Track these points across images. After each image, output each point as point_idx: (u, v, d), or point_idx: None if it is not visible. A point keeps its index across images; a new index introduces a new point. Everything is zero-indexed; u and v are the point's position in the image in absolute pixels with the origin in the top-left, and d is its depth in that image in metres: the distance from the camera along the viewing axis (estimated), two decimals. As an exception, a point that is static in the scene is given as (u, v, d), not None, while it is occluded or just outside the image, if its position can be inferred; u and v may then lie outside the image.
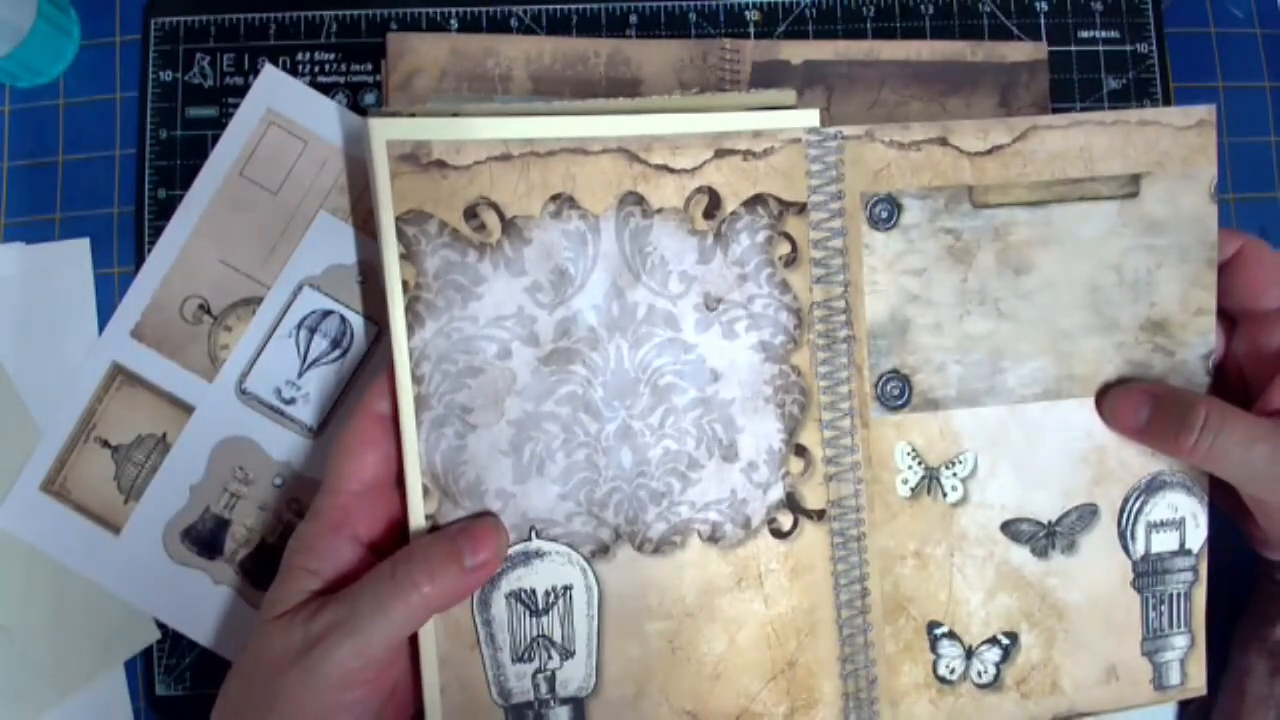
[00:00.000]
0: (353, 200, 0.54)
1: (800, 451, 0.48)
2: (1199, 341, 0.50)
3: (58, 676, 0.53)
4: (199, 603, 0.53)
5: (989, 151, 0.49)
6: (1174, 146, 0.49)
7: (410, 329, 0.45)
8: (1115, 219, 0.49)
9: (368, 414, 0.46)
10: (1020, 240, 0.49)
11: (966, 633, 0.50)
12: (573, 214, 0.46)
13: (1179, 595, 0.51)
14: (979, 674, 0.50)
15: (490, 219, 0.45)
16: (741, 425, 0.48)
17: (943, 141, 0.48)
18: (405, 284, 0.45)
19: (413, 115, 0.45)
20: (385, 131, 0.45)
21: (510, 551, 0.46)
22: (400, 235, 0.45)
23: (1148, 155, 0.49)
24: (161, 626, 0.54)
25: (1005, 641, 0.50)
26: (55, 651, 0.53)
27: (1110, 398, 0.50)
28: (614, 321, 0.47)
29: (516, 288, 0.46)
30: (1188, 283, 0.50)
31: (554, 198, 0.46)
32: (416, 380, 0.45)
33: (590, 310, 0.46)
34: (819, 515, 0.48)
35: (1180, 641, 0.51)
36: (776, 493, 0.48)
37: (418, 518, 0.45)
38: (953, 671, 0.50)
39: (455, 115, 0.46)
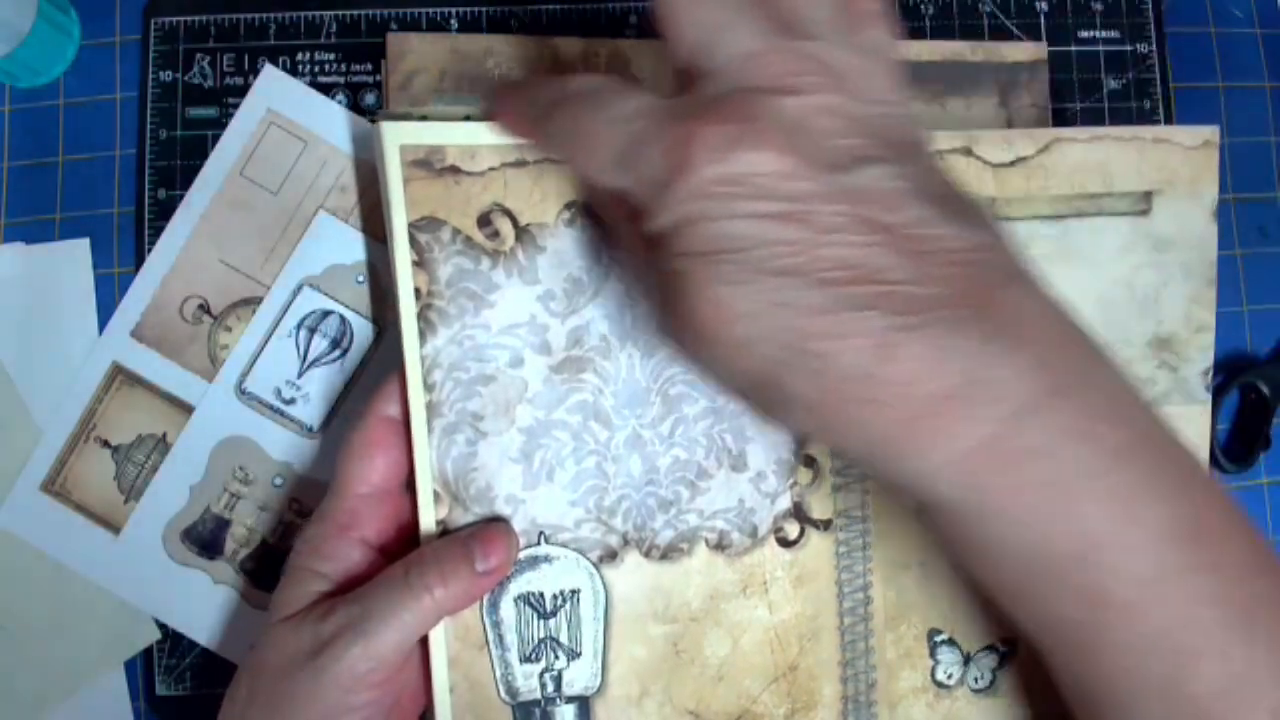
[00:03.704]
0: (358, 201, 0.54)
1: (809, 462, 0.49)
2: (1199, 357, 0.51)
3: (58, 676, 0.53)
4: (199, 603, 0.53)
5: (1012, 163, 0.49)
6: (1183, 166, 0.50)
7: (422, 336, 0.45)
8: (1128, 235, 0.50)
9: (376, 417, 0.45)
10: (1039, 254, 0.49)
11: (966, 640, 0.51)
12: (586, 222, 0.46)
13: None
14: (975, 679, 0.51)
15: (504, 226, 0.45)
16: (751, 435, 0.48)
17: (967, 152, 0.49)
18: (418, 291, 0.45)
19: (424, 119, 0.45)
20: (398, 136, 0.44)
21: (520, 556, 0.46)
22: (413, 242, 0.44)
23: (1159, 173, 0.50)
24: (161, 626, 0.53)
25: (1002, 649, 0.51)
26: (55, 651, 0.53)
27: None
28: (626, 330, 0.47)
29: (529, 296, 0.46)
30: (1190, 300, 0.50)
31: (568, 205, 0.46)
32: (428, 388, 0.45)
33: (602, 319, 0.46)
34: (825, 525, 0.49)
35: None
36: (784, 503, 0.48)
37: (428, 523, 0.45)
38: (950, 676, 0.51)
39: (468, 119, 0.45)
